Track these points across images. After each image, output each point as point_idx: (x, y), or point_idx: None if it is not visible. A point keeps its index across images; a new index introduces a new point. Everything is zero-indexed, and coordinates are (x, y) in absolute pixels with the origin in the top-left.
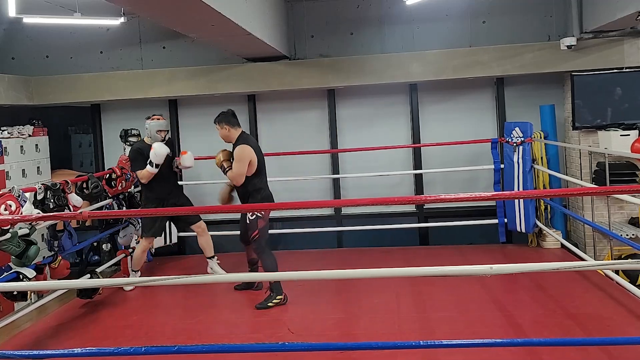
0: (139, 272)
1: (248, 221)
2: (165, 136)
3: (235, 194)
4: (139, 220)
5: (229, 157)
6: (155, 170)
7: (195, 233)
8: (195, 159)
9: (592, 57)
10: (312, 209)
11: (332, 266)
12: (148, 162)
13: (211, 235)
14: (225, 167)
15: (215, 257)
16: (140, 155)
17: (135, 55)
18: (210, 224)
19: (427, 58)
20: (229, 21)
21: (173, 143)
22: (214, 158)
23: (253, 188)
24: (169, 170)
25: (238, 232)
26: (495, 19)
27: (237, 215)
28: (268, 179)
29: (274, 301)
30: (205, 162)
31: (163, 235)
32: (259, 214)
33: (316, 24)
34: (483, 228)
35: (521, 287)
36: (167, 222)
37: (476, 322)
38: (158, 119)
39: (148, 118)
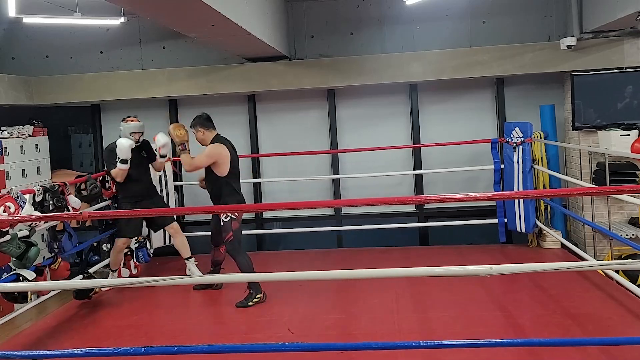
0: (117, 271)
1: (222, 223)
2: (139, 138)
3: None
4: None
5: (186, 137)
6: (126, 167)
7: (196, 234)
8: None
9: (592, 57)
10: (312, 209)
11: (332, 266)
12: (117, 160)
13: (205, 236)
14: (186, 148)
15: (193, 259)
16: (113, 155)
17: (135, 55)
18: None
19: (427, 58)
20: (229, 21)
21: (148, 144)
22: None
23: (227, 190)
24: (142, 171)
25: (243, 232)
26: (495, 19)
27: None
28: (268, 179)
29: (254, 300)
30: None
31: (163, 235)
32: (232, 216)
33: (316, 24)
34: (483, 228)
35: (521, 287)
36: (142, 222)
37: (476, 322)
38: (132, 121)
39: (123, 120)
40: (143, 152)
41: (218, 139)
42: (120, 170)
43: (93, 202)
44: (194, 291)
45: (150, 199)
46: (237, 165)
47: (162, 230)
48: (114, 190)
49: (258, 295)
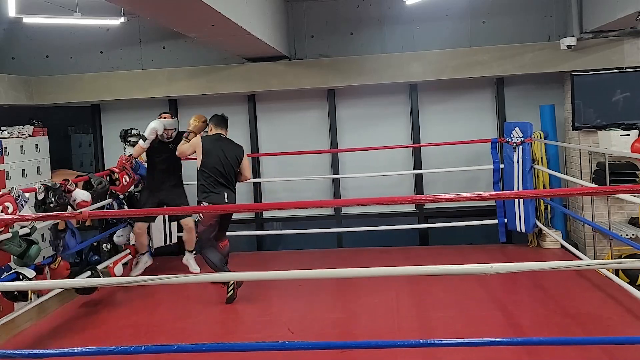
0: (146, 254)
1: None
2: (171, 134)
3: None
4: None
5: (197, 129)
6: (145, 145)
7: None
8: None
9: (592, 57)
10: (312, 210)
11: (332, 266)
12: (140, 137)
13: None
14: (188, 137)
15: (194, 252)
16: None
17: (135, 55)
18: None
19: (427, 58)
20: (229, 21)
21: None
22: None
23: (200, 185)
24: (169, 163)
25: (243, 233)
26: (495, 19)
27: (241, 216)
28: (268, 179)
29: (231, 289)
30: None
31: (163, 235)
32: (198, 218)
33: (316, 24)
34: (483, 228)
35: (521, 287)
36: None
37: (476, 322)
38: (166, 117)
39: (159, 116)
40: (171, 145)
41: (209, 136)
42: (139, 147)
43: (100, 198)
44: (195, 290)
45: (170, 191)
46: (211, 163)
47: (163, 230)
48: (124, 183)
49: (231, 283)
